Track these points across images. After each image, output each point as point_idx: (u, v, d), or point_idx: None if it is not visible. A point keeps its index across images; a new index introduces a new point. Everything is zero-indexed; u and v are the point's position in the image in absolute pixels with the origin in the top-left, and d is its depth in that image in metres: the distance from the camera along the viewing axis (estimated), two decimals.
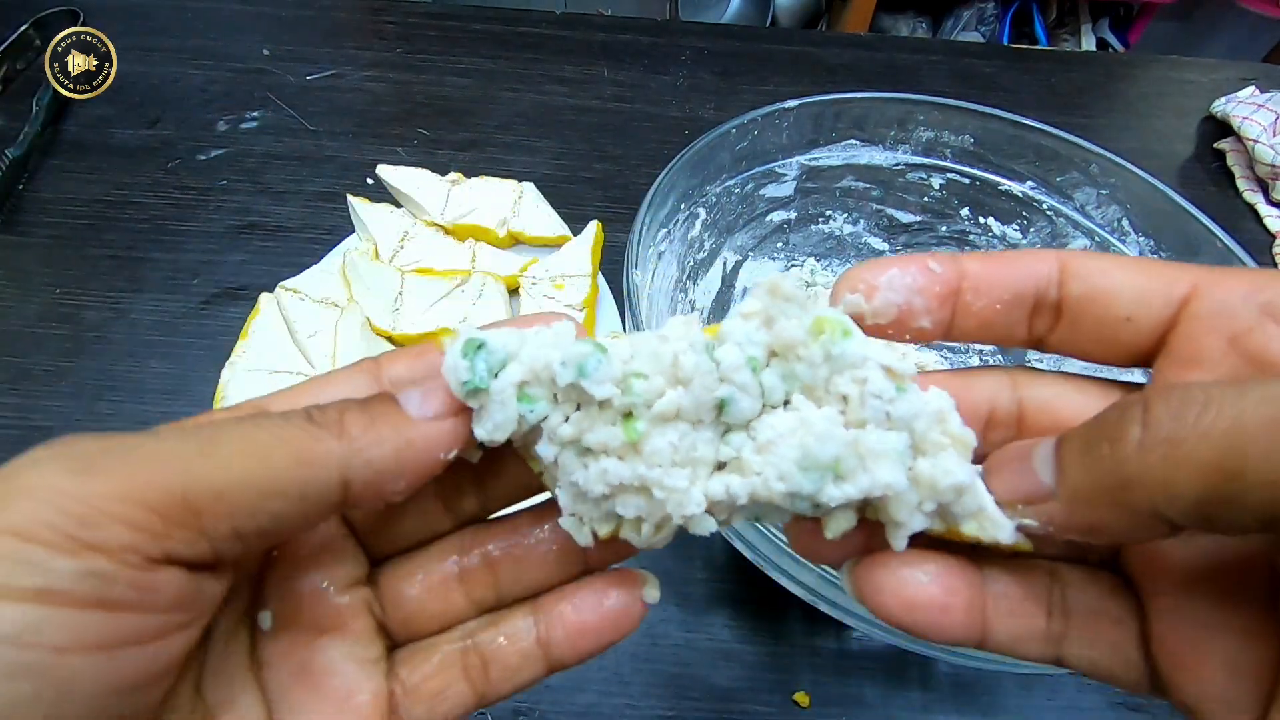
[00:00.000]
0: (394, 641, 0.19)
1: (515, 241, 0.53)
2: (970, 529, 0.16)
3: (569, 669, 0.19)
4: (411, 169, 0.54)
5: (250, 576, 0.18)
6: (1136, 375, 0.24)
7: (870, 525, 0.17)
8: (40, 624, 0.12)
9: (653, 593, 0.18)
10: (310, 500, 0.15)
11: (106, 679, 0.13)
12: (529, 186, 0.55)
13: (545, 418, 0.17)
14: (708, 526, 0.17)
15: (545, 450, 0.17)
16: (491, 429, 0.16)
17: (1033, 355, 0.48)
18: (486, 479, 0.20)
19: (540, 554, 0.19)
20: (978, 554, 0.17)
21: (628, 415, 0.16)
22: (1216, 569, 0.15)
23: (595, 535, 0.17)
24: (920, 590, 0.16)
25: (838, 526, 0.17)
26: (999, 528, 0.16)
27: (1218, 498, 0.12)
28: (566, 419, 0.17)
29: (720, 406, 0.16)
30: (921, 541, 0.17)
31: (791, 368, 0.16)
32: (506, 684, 0.19)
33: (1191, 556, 0.15)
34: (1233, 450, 0.12)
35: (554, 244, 0.52)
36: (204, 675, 0.16)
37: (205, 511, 0.13)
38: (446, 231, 0.52)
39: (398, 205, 0.53)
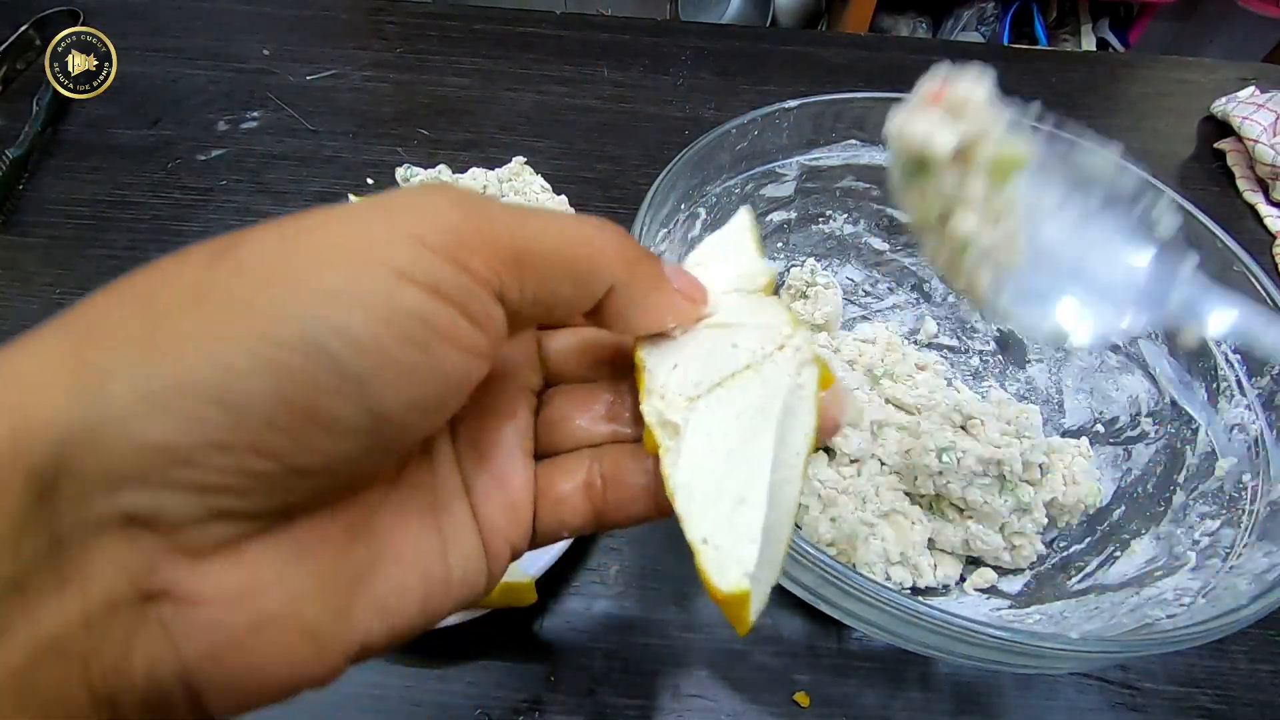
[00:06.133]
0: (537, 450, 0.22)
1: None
2: None
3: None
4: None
5: None
6: None
7: None
8: (432, 313, 0.15)
9: None
10: (584, 285, 0.18)
11: (451, 373, 0.16)
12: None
13: None
14: None
15: None
16: None
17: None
18: None
19: None
20: None
21: None
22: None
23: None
24: None
25: None
26: None
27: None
28: None
29: None
30: None
31: None
32: (620, 513, 0.21)
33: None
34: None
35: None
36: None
37: (526, 270, 0.16)
38: None
39: None
